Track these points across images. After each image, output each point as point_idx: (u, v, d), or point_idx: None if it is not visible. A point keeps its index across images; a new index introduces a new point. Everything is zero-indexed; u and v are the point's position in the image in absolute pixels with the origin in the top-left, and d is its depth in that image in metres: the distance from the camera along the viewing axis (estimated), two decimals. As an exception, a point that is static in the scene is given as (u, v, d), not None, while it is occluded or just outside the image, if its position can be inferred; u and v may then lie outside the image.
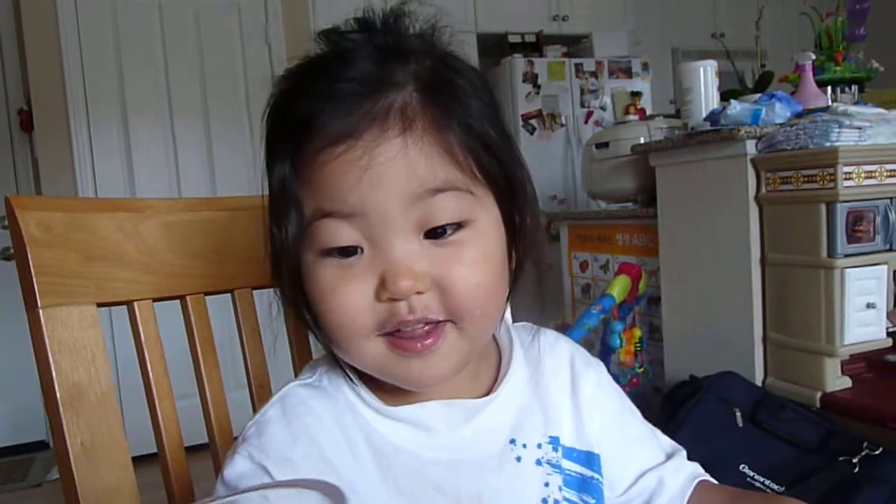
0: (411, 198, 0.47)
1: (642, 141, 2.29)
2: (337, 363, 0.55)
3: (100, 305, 0.64)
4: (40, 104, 3.10)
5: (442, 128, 0.48)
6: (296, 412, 0.54)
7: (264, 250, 0.54)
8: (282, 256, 0.51)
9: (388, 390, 0.54)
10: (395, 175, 0.47)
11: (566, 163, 3.86)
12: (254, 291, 0.74)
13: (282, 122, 0.51)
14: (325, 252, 0.49)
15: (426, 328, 0.49)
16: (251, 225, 0.69)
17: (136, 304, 0.67)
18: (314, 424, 0.53)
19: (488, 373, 0.59)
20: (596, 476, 0.59)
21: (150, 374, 0.66)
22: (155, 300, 0.68)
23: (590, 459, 0.59)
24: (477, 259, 0.50)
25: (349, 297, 0.48)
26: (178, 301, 0.70)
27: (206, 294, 0.71)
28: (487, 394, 0.57)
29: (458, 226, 0.49)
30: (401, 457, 0.53)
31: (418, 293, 0.48)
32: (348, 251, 0.49)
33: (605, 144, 2.43)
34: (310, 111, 0.48)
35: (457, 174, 0.49)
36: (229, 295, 0.74)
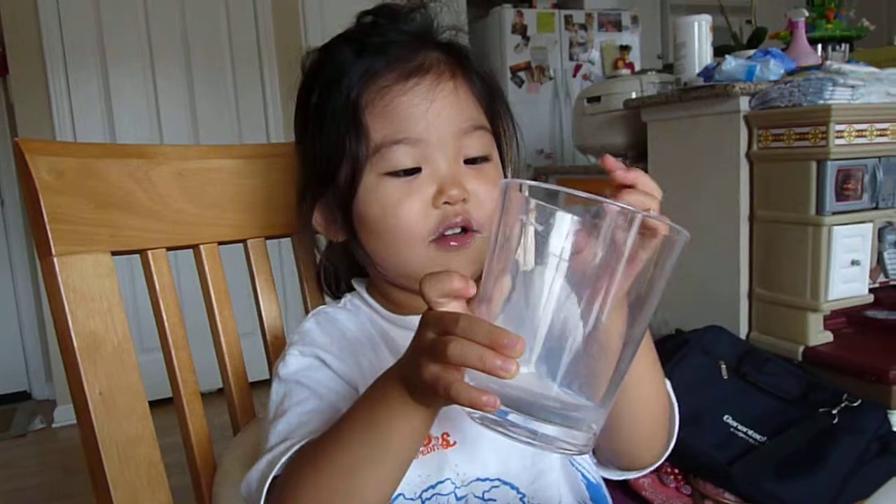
0: (460, 130, 0.63)
1: (634, 96, 2.27)
2: (355, 294, 0.69)
3: (113, 254, 0.63)
4: (14, 47, 2.99)
5: (469, 79, 0.65)
6: (328, 322, 0.67)
7: (296, 188, 0.64)
8: (353, 177, 0.62)
9: (399, 304, 0.66)
10: (451, 110, 0.62)
11: (554, 117, 3.83)
12: (266, 241, 0.74)
13: (346, 65, 0.63)
14: (392, 173, 0.61)
15: (463, 233, 0.62)
16: (267, 173, 0.68)
17: (149, 252, 0.66)
18: (343, 330, 0.66)
19: None
20: None
21: (166, 324, 0.66)
22: (168, 249, 0.67)
23: None
24: (497, 181, 0.60)
25: (412, 204, 0.61)
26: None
27: (220, 243, 0.71)
28: None
29: (484, 158, 0.65)
30: None
31: (464, 201, 0.61)
32: (412, 171, 0.61)
33: (597, 98, 2.41)
34: (383, 48, 0.62)
35: (483, 117, 0.66)
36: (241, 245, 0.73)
